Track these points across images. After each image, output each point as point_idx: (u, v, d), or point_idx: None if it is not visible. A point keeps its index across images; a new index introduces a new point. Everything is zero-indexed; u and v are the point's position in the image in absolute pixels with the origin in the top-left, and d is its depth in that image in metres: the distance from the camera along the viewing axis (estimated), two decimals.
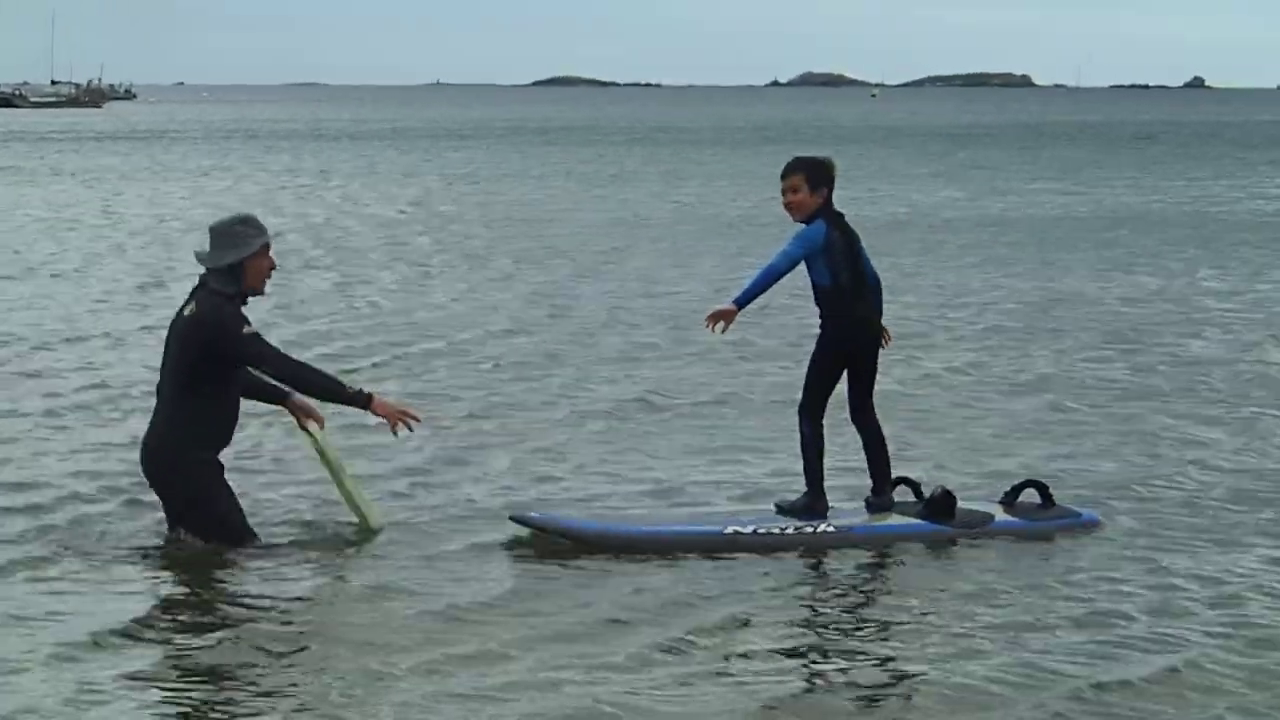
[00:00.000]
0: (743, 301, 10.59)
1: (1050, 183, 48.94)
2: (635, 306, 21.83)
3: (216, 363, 10.16)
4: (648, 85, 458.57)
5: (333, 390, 10.36)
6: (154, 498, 10.56)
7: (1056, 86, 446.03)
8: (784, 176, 10.73)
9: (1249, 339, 19.24)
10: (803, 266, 10.65)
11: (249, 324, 10.15)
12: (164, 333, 10.50)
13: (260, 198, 40.88)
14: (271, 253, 10.40)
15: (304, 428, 10.72)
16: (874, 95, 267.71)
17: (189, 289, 10.52)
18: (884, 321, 10.88)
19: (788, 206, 10.74)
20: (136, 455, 10.59)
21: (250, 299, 10.33)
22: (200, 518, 10.24)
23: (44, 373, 16.33)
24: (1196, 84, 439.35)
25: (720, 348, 17.23)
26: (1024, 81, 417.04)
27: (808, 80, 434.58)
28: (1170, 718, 7.87)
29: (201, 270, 10.35)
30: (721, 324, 10.68)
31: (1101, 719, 7.84)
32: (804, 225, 10.62)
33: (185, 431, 10.16)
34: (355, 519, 10.72)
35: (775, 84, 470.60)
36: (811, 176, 10.62)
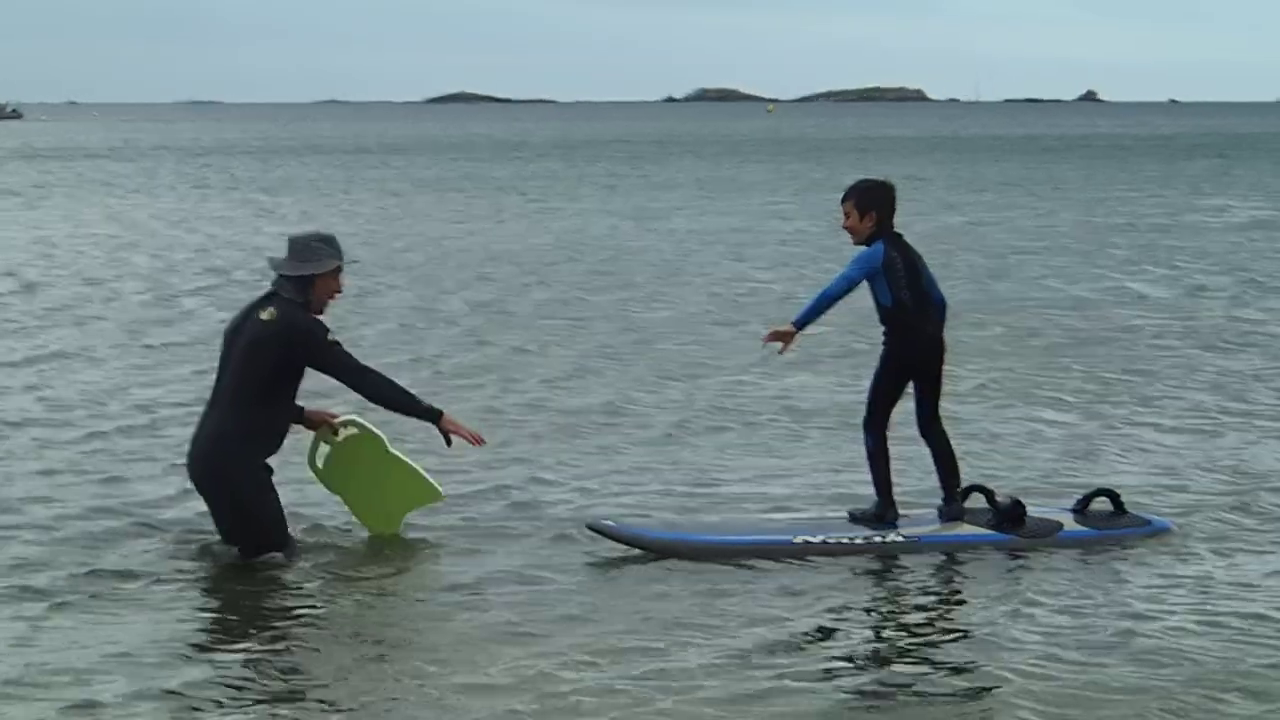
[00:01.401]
0: (801, 323, 10.72)
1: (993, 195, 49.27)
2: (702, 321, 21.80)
3: (290, 368, 10.19)
4: (542, 101, 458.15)
5: (407, 403, 10.38)
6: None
7: (951, 101, 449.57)
8: (842, 203, 10.89)
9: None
10: (865, 288, 10.75)
11: (329, 331, 10.19)
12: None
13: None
14: (343, 277, 10.46)
15: (334, 432, 10.72)
16: (770, 110, 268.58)
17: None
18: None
19: (846, 230, 10.89)
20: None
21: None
22: (249, 523, 10.23)
23: None
24: (1089, 98, 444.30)
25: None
26: (918, 96, 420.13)
27: (703, 96, 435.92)
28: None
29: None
30: (780, 344, 10.79)
31: None
32: (863, 248, 10.74)
33: (243, 437, 10.15)
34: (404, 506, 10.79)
35: (670, 100, 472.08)
36: (860, 201, 10.77)
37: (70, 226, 37.03)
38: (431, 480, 10.86)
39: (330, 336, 10.19)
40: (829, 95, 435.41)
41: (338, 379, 10.33)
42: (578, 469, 13.02)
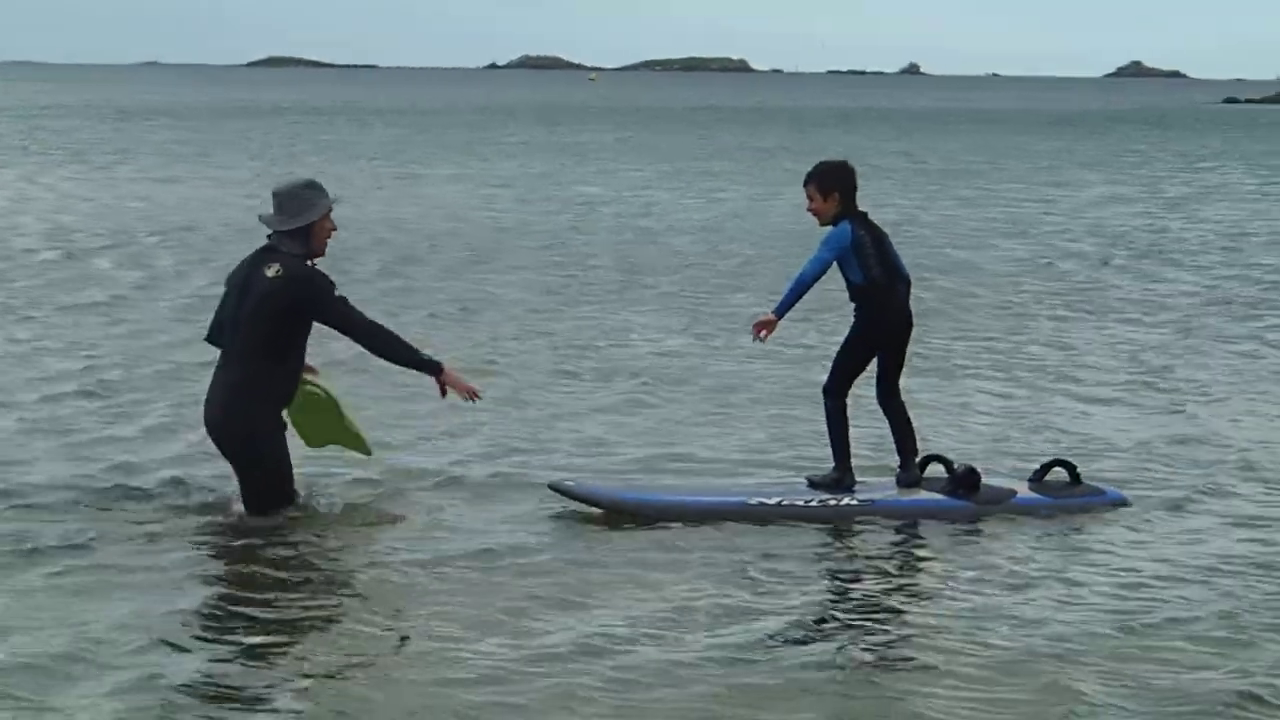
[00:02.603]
0: (782, 310, 11.03)
1: None
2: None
3: (299, 323, 10.28)
4: (363, 67, 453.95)
5: (411, 356, 10.50)
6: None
7: (774, 71, 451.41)
8: (804, 186, 11.16)
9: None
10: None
11: (336, 286, 10.30)
12: None
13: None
14: (331, 215, 10.54)
15: (305, 381, 10.82)
16: (593, 79, 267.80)
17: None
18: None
19: (811, 213, 11.16)
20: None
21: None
22: (261, 476, 10.39)
23: None
24: (912, 70, 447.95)
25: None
26: (741, 66, 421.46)
27: (526, 63, 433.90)
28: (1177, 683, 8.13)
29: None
30: (764, 332, 11.11)
31: (1115, 686, 8.06)
32: (830, 229, 11.02)
33: (257, 392, 10.28)
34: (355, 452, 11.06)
35: (493, 66, 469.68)
36: (821, 184, 11.06)
37: None
38: (366, 440, 11.06)
39: (337, 292, 10.27)
40: (651, 64, 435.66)
41: (344, 334, 10.44)
42: (539, 431, 13.35)
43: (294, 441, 10.65)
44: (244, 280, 10.38)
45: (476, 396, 10.61)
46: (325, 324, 10.34)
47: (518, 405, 14.27)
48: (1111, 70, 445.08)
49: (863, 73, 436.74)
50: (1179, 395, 15.43)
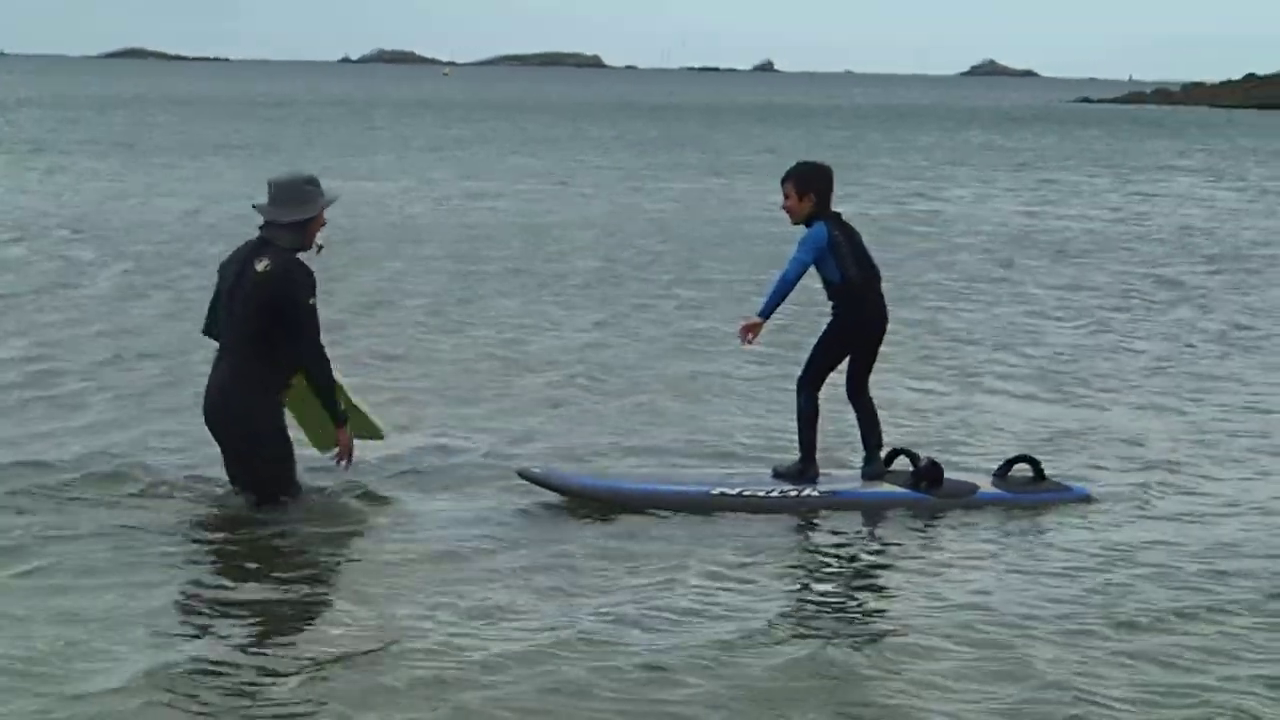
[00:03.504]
0: (766, 313, 11.19)
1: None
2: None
3: (283, 316, 10.24)
4: (216, 60, 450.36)
5: (331, 398, 10.53)
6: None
7: (628, 68, 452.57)
8: (782, 184, 11.28)
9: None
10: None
11: (314, 295, 10.26)
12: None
13: None
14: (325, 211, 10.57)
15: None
16: (446, 73, 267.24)
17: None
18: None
19: (785, 210, 11.26)
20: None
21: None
22: (262, 461, 10.38)
23: None
24: (766, 67, 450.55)
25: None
26: (595, 62, 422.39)
27: (380, 57, 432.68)
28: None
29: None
30: (751, 335, 11.24)
31: (1084, 673, 8.13)
32: (806, 229, 11.13)
33: (253, 379, 10.26)
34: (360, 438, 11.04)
35: (346, 60, 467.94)
36: (799, 183, 11.18)
37: None
38: (380, 424, 11.25)
39: (311, 300, 10.23)
40: (508, 59, 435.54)
41: (294, 339, 10.29)
42: (510, 420, 13.50)
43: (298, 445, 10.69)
44: (237, 273, 10.36)
45: (347, 462, 10.69)
46: (288, 323, 10.24)
47: (467, 399, 14.36)
48: (966, 69, 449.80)
49: (717, 69, 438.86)
50: (1109, 391, 15.62)
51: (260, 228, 10.45)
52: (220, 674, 7.79)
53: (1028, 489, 11.48)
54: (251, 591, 9.02)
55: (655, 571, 9.59)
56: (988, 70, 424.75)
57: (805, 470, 11.32)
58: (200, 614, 8.65)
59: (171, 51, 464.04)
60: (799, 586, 9.56)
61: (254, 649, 8.14)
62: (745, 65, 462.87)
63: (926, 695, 7.83)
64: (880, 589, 9.59)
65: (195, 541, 9.95)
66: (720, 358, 16.46)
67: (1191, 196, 41.49)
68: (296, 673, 7.82)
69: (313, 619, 8.66)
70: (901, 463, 11.52)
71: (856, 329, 11.24)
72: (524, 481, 11.06)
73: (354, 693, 7.61)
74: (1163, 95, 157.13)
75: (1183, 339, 18.75)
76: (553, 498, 11.00)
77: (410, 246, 26.00)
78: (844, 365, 11.37)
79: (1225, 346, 18.30)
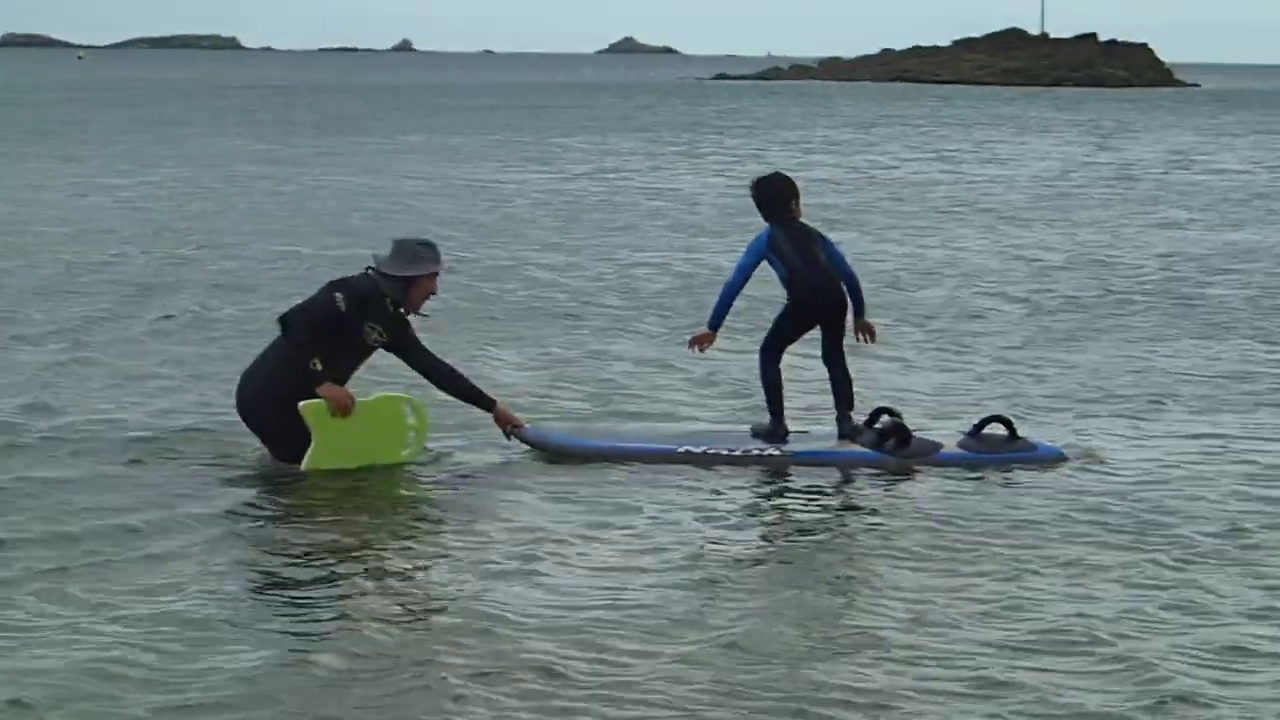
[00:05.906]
0: (715, 323, 12.49)
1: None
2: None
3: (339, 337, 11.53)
4: None
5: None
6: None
7: (265, 50, 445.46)
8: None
9: None
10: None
11: (341, 307, 11.33)
12: None
13: None
14: (438, 280, 11.66)
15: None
16: (81, 57, 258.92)
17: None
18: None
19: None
20: None
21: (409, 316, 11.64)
22: (280, 444, 11.53)
23: None
24: (404, 47, 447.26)
25: None
26: (232, 44, 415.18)
27: (10, 42, 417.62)
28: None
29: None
30: (699, 347, 12.53)
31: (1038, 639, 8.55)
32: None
33: (289, 388, 11.31)
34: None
35: None
36: (752, 194, 12.52)
37: None
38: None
39: (341, 305, 11.33)
40: (143, 41, 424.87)
41: (288, 334, 11.41)
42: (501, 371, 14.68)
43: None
44: (329, 292, 11.46)
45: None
46: (304, 308, 11.44)
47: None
48: (605, 46, 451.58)
49: (355, 50, 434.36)
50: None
51: (368, 269, 11.61)
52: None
53: (996, 448, 12.07)
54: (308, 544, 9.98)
55: (608, 529, 10.40)
56: (627, 48, 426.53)
57: (775, 430, 12.37)
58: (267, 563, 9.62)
59: None
60: (744, 542, 10.28)
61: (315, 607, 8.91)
62: (384, 45, 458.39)
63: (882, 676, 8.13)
64: (831, 546, 10.28)
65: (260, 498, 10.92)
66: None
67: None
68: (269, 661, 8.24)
69: (292, 602, 9.13)
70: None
71: (803, 310, 12.35)
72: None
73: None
74: (800, 70, 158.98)
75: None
76: (530, 452, 12.06)
77: None
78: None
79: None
